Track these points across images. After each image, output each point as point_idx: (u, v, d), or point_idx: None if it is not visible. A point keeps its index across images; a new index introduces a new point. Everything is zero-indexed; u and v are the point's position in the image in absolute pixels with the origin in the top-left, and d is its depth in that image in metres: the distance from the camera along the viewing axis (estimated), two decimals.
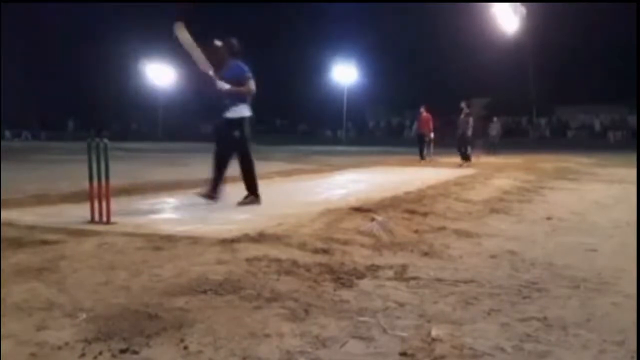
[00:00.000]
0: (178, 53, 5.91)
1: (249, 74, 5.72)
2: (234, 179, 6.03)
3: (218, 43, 5.78)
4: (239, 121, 5.71)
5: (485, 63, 38.89)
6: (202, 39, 5.76)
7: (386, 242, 3.99)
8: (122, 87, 49.09)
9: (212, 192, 5.67)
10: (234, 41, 5.85)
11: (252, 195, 5.77)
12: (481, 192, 7.37)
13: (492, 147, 22.12)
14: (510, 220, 5.36)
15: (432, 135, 16.42)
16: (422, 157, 16.11)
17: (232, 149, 5.71)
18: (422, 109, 16.53)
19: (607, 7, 35.17)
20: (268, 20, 49.73)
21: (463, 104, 14.87)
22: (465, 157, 14.35)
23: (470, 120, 14.81)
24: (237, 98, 5.70)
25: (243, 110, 5.73)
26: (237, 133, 5.67)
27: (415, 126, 17.49)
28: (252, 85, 5.72)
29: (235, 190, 5.85)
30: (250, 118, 5.76)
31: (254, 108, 5.82)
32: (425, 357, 1.99)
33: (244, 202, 5.69)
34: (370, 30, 45.28)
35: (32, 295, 2.51)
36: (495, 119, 25.29)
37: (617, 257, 3.75)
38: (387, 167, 13.48)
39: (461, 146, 14.56)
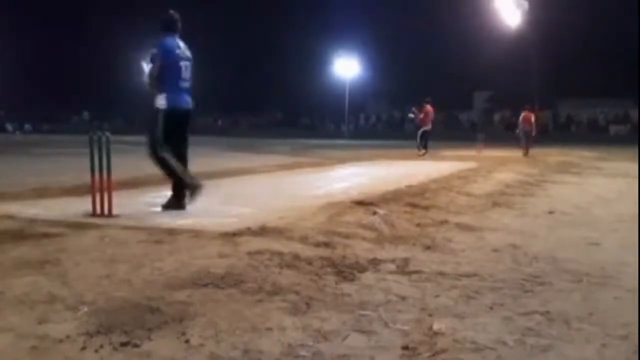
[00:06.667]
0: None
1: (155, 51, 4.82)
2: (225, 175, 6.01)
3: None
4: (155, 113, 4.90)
5: (488, 56, 38.76)
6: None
7: (388, 235, 3.98)
8: (125, 81, 49.08)
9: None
10: (168, 14, 4.94)
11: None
12: (484, 186, 7.36)
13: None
14: (512, 214, 5.34)
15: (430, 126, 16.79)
16: (426, 150, 16.27)
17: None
18: (428, 104, 16.84)
19: (611, 0, 35.00)
20: (269, 13, 49.57)
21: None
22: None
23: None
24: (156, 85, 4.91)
25: (159, 101, 4.89)
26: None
27: (416, 119, 17.31)
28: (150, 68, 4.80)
29: (229, 184, 5.83)
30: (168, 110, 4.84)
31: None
32: (426, 350, 1.98)
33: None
34: (372, 24, 45.15)
35: (33, 289, 2.50)
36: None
37: (620, 251, 3.74)
38: (389, 161, 13.47)
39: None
